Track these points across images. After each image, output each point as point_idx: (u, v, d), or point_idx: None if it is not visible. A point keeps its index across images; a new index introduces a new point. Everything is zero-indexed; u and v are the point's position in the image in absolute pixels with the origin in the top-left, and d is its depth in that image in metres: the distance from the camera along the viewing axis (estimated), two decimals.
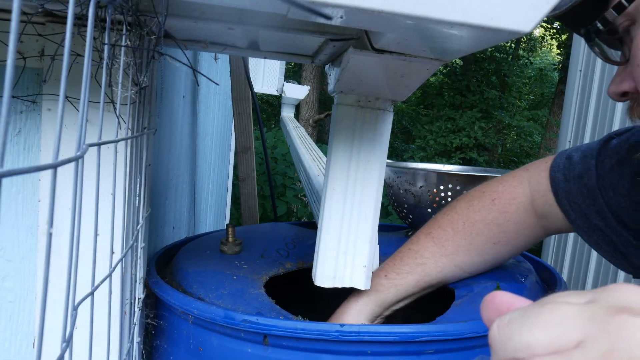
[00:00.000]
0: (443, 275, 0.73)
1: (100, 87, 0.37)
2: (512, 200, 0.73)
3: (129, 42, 0.46)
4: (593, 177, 0.68)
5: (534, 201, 0.73)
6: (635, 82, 0.53)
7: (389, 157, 0.78)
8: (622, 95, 0.57)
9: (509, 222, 0.73)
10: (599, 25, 0.53)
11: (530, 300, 0.27)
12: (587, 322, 0.23)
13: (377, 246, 0.72)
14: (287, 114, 3.57)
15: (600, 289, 0.26)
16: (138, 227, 0.63)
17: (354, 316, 0.70)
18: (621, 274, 2.03)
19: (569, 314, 0.24)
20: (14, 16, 0.18)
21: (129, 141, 0.53)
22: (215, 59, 0.80)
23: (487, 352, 0.60)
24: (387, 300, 0.72)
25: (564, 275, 2.58)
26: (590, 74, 2.59)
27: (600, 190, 0.67)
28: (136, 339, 0.65)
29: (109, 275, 0.41)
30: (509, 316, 0.26)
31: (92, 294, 0.35)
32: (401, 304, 0.74)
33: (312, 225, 1.07)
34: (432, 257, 0.73)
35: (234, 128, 1.99)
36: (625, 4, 0.51)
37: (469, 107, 9.35)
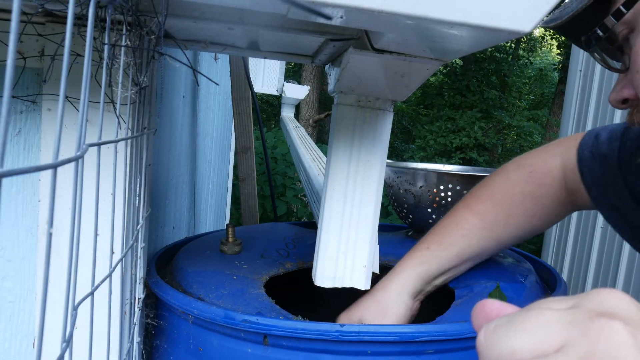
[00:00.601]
0: (481, 248, 0.73)
1: (100, 87, 0.37)
2: (548, 173, 0.74)
3: (129, 42, 0.46)
4: (615, 158, 0.69)
5: (566, 176, 0.74)
6: (635, 89, 0.53)
7: (389, 157, 0.78)
8: (623, 103, 0.57)
9: (545, 196, 0.73)
10: (599, 32, 0.53)
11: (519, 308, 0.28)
12: (568, 326, 0.24)
13: (377, 246, 0.72)
14: (287, 114, 3.57)
15: (583, 294, 0.26)
16: (138, 227, 0.63)
17: (396, 292, 0.68)
18: (621, 274, 2.03)
19: (551, 319, 0.25)
20: (14, 16, 0.18)
21: (129, 141, 0.53)
22: (215, 59, 0.80)
23: None
24: (430, 273, 0.71)
25: (564, 275, 2.58)
26: (590, 74, 2.59)
27: (621, 171, 0.68)
28: (136, 339, 0.65)
29: (109, 275, 0.41)
30: (495, 323, 0.27)
31: (92, 294, 0.35)
32: (442, 279, 0.73)
33: (312, 225, 1.07)
34: (473, 229, 0.73)
35: (234, 128, 1.99)
36: (624, 10, 0.51)
37: (469, 107, 9.35)
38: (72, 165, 0.25)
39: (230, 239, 0.84)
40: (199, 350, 0.64)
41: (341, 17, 0.35)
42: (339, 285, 0.66)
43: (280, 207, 3.78)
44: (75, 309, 0.29)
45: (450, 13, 0.33)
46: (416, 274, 0.70)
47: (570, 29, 0.57)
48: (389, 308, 0.67)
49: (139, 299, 0.66)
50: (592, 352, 0.22)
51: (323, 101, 8.02)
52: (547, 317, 0.25)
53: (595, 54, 0.57)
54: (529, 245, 4.19)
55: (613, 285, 2.05)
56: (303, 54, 0.71)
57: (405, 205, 1.00)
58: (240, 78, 1.85)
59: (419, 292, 0.71)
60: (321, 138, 8.03)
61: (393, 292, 0.68)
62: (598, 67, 2.51)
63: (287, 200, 3.91)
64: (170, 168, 1.08)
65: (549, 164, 0.75)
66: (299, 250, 0.88)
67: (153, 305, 0.74)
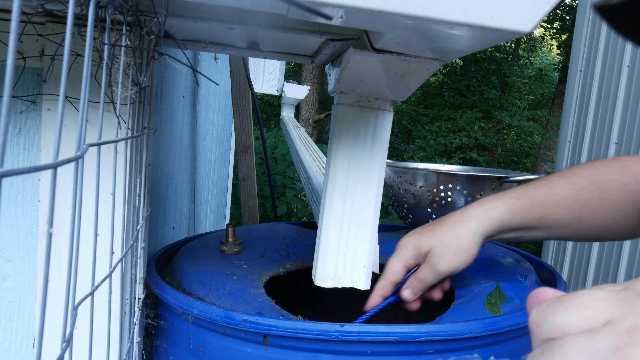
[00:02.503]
0: (563, 221, 0.70)
1: (100, 87, 0.37)
2: None
3: (129, 42, 0.46)
4: None
5: None
6: None
7: (389, 157, 0.78)
8: None
9: (636, 192, 0.71)
10: None
11: None
12: (616, 304, 0.26)
13: (377, 246, 0.72)
14: (287, 114, 3.57)
15: (635, 279, 0.28)
16: (138, 227, 0.63)
17: (474, 231, 0.66)
18: (621, 273, 2.03)
19: (599, 298, 0.27)
20: (14, 16, 0.18)
21: (129, 141, 0.53)
22: (215, 59, 0.80)
23: (486, 352, 0.60)
24: (510, 224, 0.68)
25: (564, 275, 2.58)
26: (590, 74, 2.59)
27: None
28: (136, 339, 0.65)
29: (109, 275, 0.41)
30: (546, 302, 0.28)
31: (92, 294, 0.35)
32: (512, 235, 0.70)
33: (312, 225, 1.07)
34: (565, 199, 0.70)
35: (234, 128, 1.99)
36: None
37: (469, 107, 9.35)
38: (72, 165, 0.25)
39: (230, 239, 0.84)
40: (199, 350, 0.64)
41: (341, 17, 0.35)
42: (339, 285, 0.66)
43: (280, 207, 3.78)
44: (75, 309, 0.29)
45: (450, 13, 0.33)
46: (499, 219, 0.67)
47: (628, 11, 0.52)
48: (464, 245, 0.65)
49: (139, 299, 0.66)
50: (637, 325, 0.24)
51: (323, 101, 8.02)
52: (596, 296, 0.27)
53: None
54: (529, 245, 4.19)
55: None
56: (303, 54, 0.71)
57: (405, 205, 1.00)
58: (240, 78, 1.85)
59: (489, 238, 0.68)
60: (321, 138, 8.03)
61: (472, 229, 0.65)
62: (598, 67, 2.51)
63: (287, 200, 3.91)
64: (170, 168, 1.08)
65: None
66: (299, 250, 0.88)
67: (153, 305, 0.74)
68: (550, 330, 0.27)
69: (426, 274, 0.65)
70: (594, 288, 0.28)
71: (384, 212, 4.06)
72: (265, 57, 0.72)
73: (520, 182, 0.92)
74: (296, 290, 0.91)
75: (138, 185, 0.61)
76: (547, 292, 0.32)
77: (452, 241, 0.65)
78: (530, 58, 11.25)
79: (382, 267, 0.73)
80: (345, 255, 0.66)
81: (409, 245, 0.67)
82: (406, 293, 0.67)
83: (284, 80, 3.50)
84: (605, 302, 0.26)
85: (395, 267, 0.67)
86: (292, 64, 8.53)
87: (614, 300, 0.26)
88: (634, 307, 0.25)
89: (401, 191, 1.00)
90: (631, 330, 0.24)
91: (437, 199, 0.95)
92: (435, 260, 0.65)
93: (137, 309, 0.65)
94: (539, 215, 0.69)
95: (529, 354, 0.28)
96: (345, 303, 1.05)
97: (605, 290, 0.27)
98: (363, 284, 0.67)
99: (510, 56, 10.43)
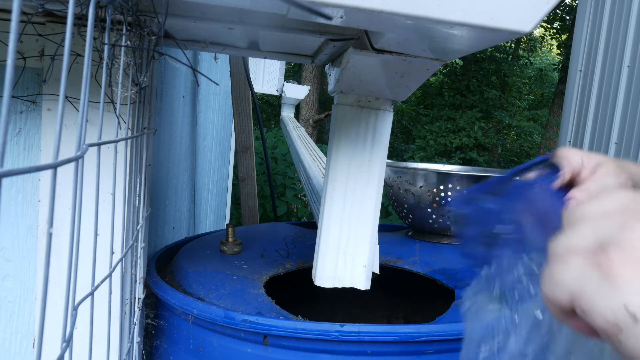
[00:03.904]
0: None
1: (100, 87, 0.37)
2: None
3: (129, 42, 0.46)
4: None
5: None
6: None
7: (389, 157, 0.78)
8: None
9: None
10: None
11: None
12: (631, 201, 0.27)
13: (377, 246, 0.72)
14: (287, 114, 3.57)
15: None
16: (138, 227, 0.62)
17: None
18: None
19: (619, 198, 0.28)
20: (14, 16, 0.18)
21: (129, 141, 0.53)
22: (215, 59, 0.80)
23: None
24: None
25: None
26: (590, 74, 2.59)
27: None
28: (136, 339, 0.65)
29: (109, 275, 0.41)
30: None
31: (92, 294, 0.35)
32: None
33: (312, 225, 1.07)
34: None
35: (234, 128, 1.99)
36: None
37: (469, 107, 9.34)
38: (72, 165, 0.25)
39: (230, 239, 0.84)
40: (199, 350, 0.64)
41: (341, 17, 0.35)
42: (339, 285, 0.66)
43: (280, 207, 3.78)
44: (75, 309, 0.29)
45: (450, 13, 0.33)
46: None
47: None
48: None
49: (139, 299, 0.66)
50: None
51: (323, 101, 8.01)
52: (617, 197, 0.28)
53: None
54: None
55: None
56: (303, 54, 0.71)
57: (405, 205, 1.00)
58: (240, 78, 1.85)
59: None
60: (321, 138, 8.03)
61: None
62: (598, 67, 2.51)
63: (287, 200, 3.91)
64: (170, 168, 1.08)
65: None
66: (299, 250, 0.88)
67: (153, 305, 0.74)
68: (575, 217, 0.28)
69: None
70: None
71: (384, 212, 4.06)
72: (265, 57, 0.72)
73: None
74: (296, 290, 0.91)
75: (138, 185, 0.61)
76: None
77: None
78: (530, 58, 11.25)
79: (382, 267, 0.73)
80: (345, 255, 0.66)
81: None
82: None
83: (284, 80, 3.50)
84: (623, 198, 0.27)
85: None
86: (292, 64, 8.53)
87: (630, 199, 0.27)
88: None
89: (401, 191, 1.00)
90: (634, 212, 0.25)
91: (437, 199, 0.95)
92: None
93: (137, 309, 0.65)
94: None
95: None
96: (345, 303, 1.05)
97: (625, 193, 0.28)
98: (363, 284, 0.67)
99: (510, 56, 10.42)
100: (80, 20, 0.48)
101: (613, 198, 0.28)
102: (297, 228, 1.03)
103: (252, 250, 0.86)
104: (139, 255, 0.66)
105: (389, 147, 0.68)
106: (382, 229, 1.11)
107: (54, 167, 0.21)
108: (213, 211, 1.91)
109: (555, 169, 0.55)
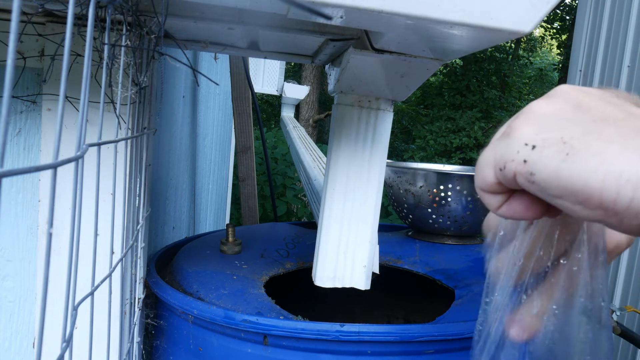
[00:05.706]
0: None
1: (100, 87, 0.37)
2: None
3: (129, 42, 0.46)
4: None
5: None
6: None
7: (389, 157, 0.78)
8: None
9: None
10: None
11: None
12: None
13: (377, 246, 0.72)
14: (287, 114, 3.56)
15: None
16: (138, 227, 0.62)
17: None
18: (621, 274, 2.03)
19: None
20: (14, 16, 0.18)
21: (129, 141, 0.53)
22: (215, 59, 0.80)
23: None
24: None
25: None
26: (590, 74, 2.59)
27: None
28: (136, 339, 0.65)
29: (109, 275, 0.41)
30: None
31: (92, 294, 0.35)
32: None
33: (312, 225, 1.07)
34: None
35: (234, 128, 1.99)
36: None
37: (469, 107, 9.34)
38: (72, 165, 0.25)
39: (230, 239, 0.84)
40: (199, 350, 0.64)
41: (341, 17, 0.35)
42: (339, 285, 0.66)
43: (280, 207, 3.78)
44: (75, 309, 0.29)
45: (450, 13, 0.33)
46: None
47: None
48: None
49: (139, 299, 0.66)
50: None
51: (323, 101, 8.01)
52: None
53: None
54: None
55: (613, 286, 2.05)
56: (303, 54, 0.71)
57: (405, 205, 1.00)
58: (240, 78, 1.85)
59: None
60: (321, 138, 8.02)
61: None
62: (598, 67, 2.51)
63: (287, 200, 3.91)
64: (170, 168, 1.08)
65: None
66: (299, 250, 0.88)
67: (153, 305, 0.74)
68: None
69: None
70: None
71: (384, 212, 4.06)
72: (265, 57, 0.72)
73: None
74: (296, 290, 0.91)
75: (138, 185, 0.61)
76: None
77: None
78: (530, 58, 11.25)
79: (382, 267, 0.73)
80: (345, 255, 0.66)
81: None
82: None
83: (284, 80, 3.50)
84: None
85: None
86: (292, 64, 8.53)
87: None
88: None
89: (401, 191, 1.00)
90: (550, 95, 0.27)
91: (437, 199, 0.95)
92: None
93: (137, 309, 0.65)
94: None
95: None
96: (345, 303, 1.05)
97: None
98: (363, 284, 0.67)
99: (510, 56, 10.42)
100: (80, 20, 0.48)
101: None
102: (297, 228, 1.03)
103: (252, 250, 0.86)
104: (139, 255, 0.66)
105: (389, 147, 0.68)
106: (382, 229, 1.11)
107: (54, 167, 0.21)
108: (213, 211, 1.91)
109: None
